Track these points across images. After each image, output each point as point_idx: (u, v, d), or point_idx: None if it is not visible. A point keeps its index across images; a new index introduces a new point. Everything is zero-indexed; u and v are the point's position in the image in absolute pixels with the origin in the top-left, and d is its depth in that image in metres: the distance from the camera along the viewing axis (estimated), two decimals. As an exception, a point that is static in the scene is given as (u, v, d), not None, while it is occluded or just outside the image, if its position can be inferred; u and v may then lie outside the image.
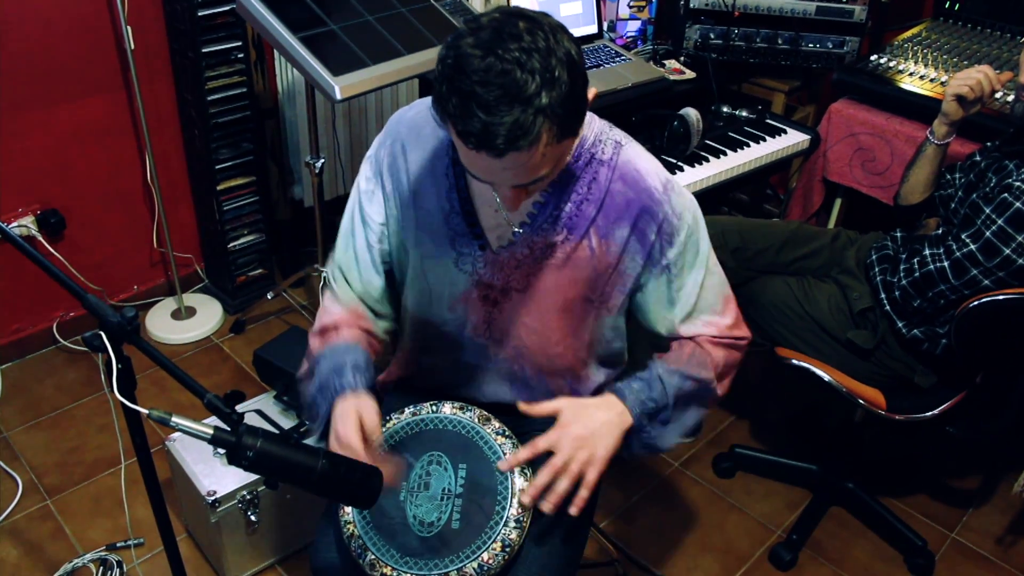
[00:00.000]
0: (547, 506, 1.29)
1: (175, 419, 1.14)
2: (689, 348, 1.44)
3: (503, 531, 1.33)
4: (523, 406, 1.34)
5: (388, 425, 1.45)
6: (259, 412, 1.35)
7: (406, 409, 1.47)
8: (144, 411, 1.15)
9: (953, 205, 2.02)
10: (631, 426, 1.34)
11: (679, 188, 1.38)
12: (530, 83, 1.07)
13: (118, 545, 2.21)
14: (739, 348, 1.49)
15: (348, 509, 1.39)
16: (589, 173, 1.34)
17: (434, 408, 1.45)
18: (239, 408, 1.94)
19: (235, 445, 1.15)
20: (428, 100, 1.42)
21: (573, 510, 1.29)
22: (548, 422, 1.34)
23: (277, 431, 1.21)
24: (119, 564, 2.16)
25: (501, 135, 1.07)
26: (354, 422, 1.30)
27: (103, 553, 2.19)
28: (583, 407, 1.34)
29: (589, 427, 1.31)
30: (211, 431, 1.14)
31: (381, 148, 1.45)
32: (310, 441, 1.34)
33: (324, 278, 1.59)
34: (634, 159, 1.36)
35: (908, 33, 2.80)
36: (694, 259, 1.41)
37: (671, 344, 1.48)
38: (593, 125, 1.36)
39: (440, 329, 1.50)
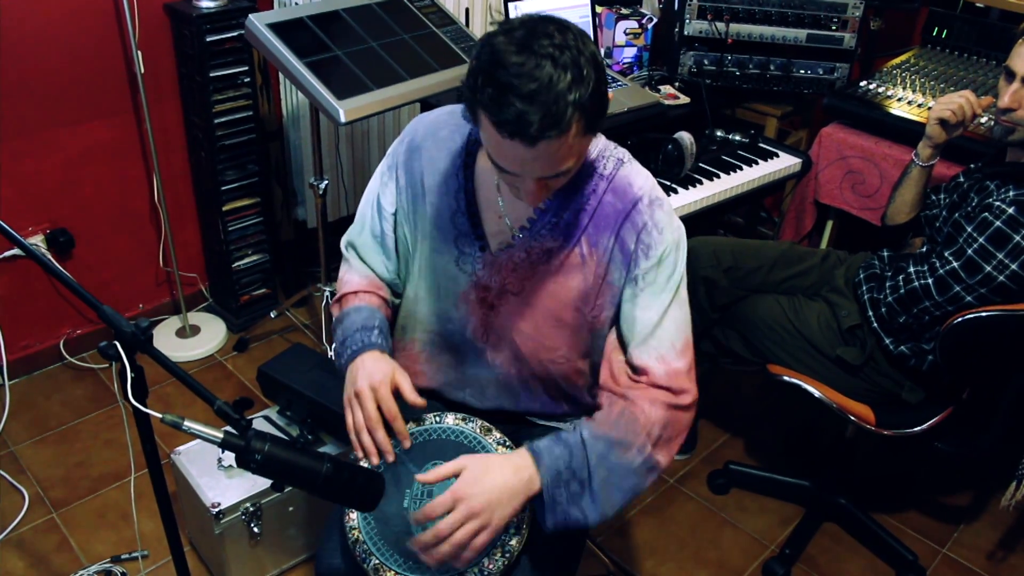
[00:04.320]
0: (429, 559, 1.29)
1: (187, 423, 1.19)
2: (619, 407, 1.37)
3: (503, 537, 1.37)
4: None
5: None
6: (267, 419, 1.40)
7: (410, 420, 1.51)
8: (158, 415, 1.21)
9: (937, 224, 2.08)
10: (536, 495, 1.31)
11: (668, 210, 1.41)
12: (563, 77, 1.14)
13: (123, 557, 2.24)
14: (682, 408, 1.39)
15: (353, 516, 1.43)
16: (590, 185, 1.40)
17: (437, 419, 1.49)
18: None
19: (244, 449, 1.20)
20: (448, 108, 1.50)
21: (458, 564, 1.29)
22: (544, 430, 1.38)
23: (287, 438, 1.26)
24: (123, 576, 2.21)
25: (535, 123, 1.13)
26: (387, 384, 1.38)
27: (108, 565, 2.23)
28: (485, 470, 1.29)
29: (486, 495, 1.27)
30: (221, 435, 1.20)
31: (400, 145, 1.53)
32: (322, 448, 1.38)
33: (344, 248, 1.64)
34: (630, 175, 1.41)
35: (897, 60, 2.88)
36: (666, 280, 1.39)
37: (602, 399, 1.43)
38: (598, 142, 1.42)
39: (444, 328, 1.55)
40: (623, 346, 1.43)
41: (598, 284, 1.43)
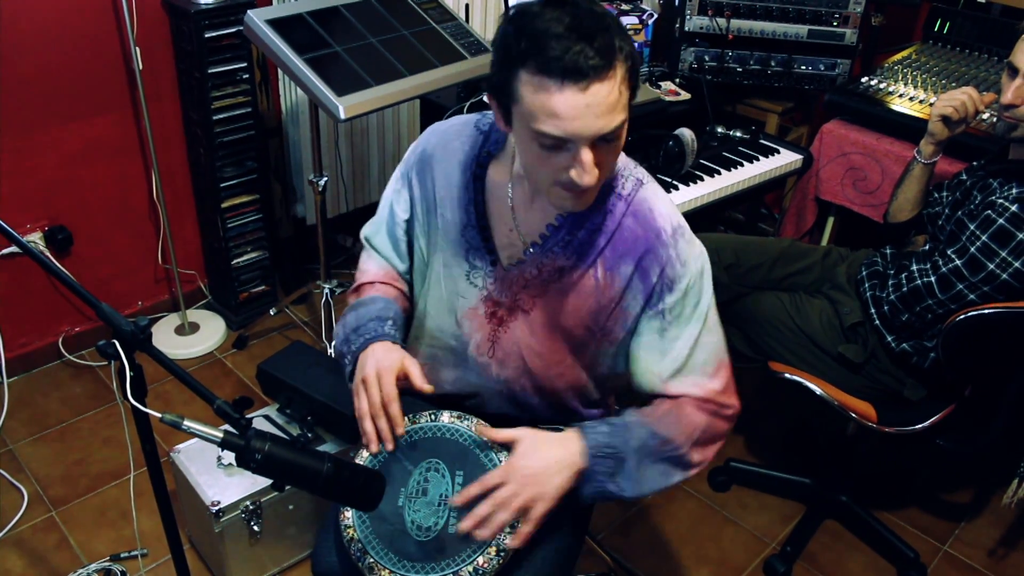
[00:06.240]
0: (483, 533, 1.30)
1: (187, 422, 1.18)
2: (666, 406, 1.40)
3: (498, 536, 1.36)
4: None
5: None
6: (267, 417, 1.39)
7: (405, 418, 1.51)
8: (157, 414, 1.20)
9: (940, 222, 2.07)
10: (582, 469, 1.33)
11: (690, 236, 1.38)
12: (605, 16, 1.14)
13: (122, 555, 2.24)
14: (724, 417, 1.43)
15: (348, 514, 1.43)
16: (607, 203, 1.36)
17: (432, 417, 1.49)
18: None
19: (244, 448, 1.19)
20: (463, 118, 1.48)
21: (514, 543, 1.31)
22: (546, 421, 1.38)
23: (287, 436, 1.25)
24: (123, 574, 2.19)
25: (586, 53, 1.11)
26: (393, 371, 1.38)
27: (107, 563, 2.22)
28: (540, 442, 1.34)
29: (541, 464, 1.32)
30: (221, 434, 1.19)
31: (412, 154, 1.52)
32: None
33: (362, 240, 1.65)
34: (650, 199, 1.37)
35: (898, 56, 2.87)
36: (692, 311, 1.38)
37: (653, 400, 1.44)
38: (620, 157, 1.37)
39: (448, 343, 1.54)
40: (656, 376, 1.42)
41: (611, 307, 1.40)
